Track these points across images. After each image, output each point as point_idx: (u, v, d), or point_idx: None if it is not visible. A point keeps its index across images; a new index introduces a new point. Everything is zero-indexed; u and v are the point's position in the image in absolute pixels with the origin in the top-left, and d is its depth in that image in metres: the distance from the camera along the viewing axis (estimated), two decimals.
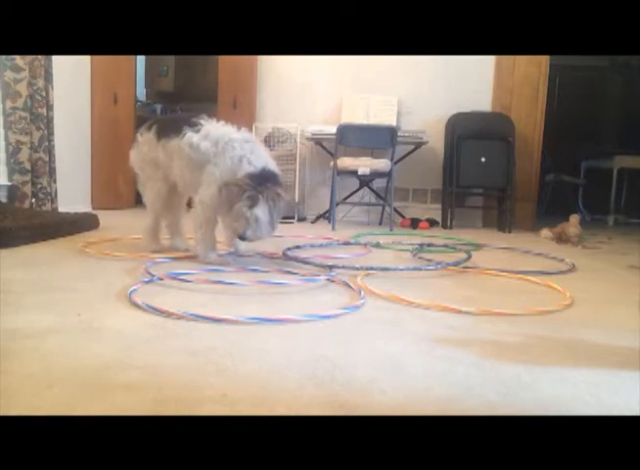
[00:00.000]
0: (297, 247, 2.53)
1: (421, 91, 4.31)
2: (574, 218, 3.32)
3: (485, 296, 1.71)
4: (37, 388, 0.85)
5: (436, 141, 4.21)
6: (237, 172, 1.93)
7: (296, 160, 4.13)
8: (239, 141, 2.01)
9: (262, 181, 1.88)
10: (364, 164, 3.77)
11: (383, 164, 3.78)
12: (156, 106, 5.83)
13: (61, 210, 3.34)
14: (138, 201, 4.21)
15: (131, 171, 2.28)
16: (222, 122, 2.13)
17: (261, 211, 1.85)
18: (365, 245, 2.70)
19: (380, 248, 2.71)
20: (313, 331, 1.24)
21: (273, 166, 2.02)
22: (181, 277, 1.68)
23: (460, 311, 1.46)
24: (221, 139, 2.01)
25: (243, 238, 1.91)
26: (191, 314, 1.27)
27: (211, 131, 2.05)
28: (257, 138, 3.98)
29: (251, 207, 1.84)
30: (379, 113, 4.21)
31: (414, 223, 4.04)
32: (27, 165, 3.07)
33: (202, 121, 2.08)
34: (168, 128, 2.11)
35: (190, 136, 2.03)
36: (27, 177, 3.07)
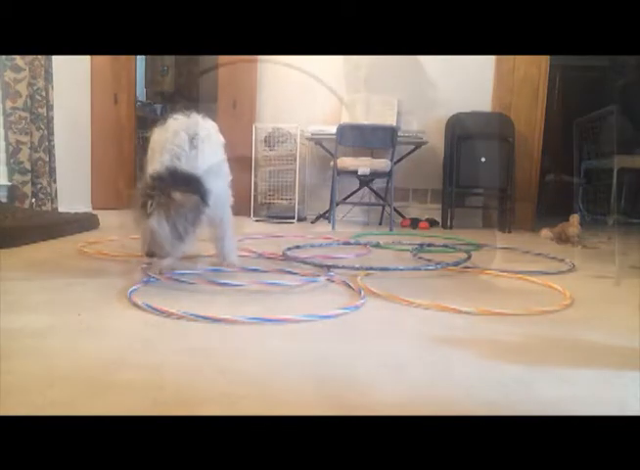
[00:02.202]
0: (297, 247, 2.53)
1: (421, 91, 4.32)
2: (574, 218, 3.32)
3: (485, 296, 1.71)
4: (38, 387, 0.85)
5: (436, 141, 4.21)
6: None
7: (296, 160, 4.13)
8: (172, 133, 1.69)
9: (161, 183, 1.56)
10: (364, 165, 3.77)
11: (383, 164, 3.78)
12: (156, 106, 5.84)
13: (61, 210, 3.34)
14: None
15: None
16: (200, 117, 1.79)
17: (155, 221, 1.52)
18: (365, 245, 2.70)
19: (380, 248, 2.71)
20: (313, 331, 1.23)
21: (200, 164, 1.64)
22: (181, 278, 1.68)
23: (460, 311, 1.45)
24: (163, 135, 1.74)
25: (148, 255, 1.61)
26: (191, 314, 1.27)
27: (166, 128, 1.77)
28: (257, 137, 4.03)
29: (147, 216, 1.54)
30: (379, 113, 4.21)
31: (414, 223, 4.05)
32: (27, 165, 3.07)
33: (175, 116, 1.78)
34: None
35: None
36: (27, 177, 3.07)
